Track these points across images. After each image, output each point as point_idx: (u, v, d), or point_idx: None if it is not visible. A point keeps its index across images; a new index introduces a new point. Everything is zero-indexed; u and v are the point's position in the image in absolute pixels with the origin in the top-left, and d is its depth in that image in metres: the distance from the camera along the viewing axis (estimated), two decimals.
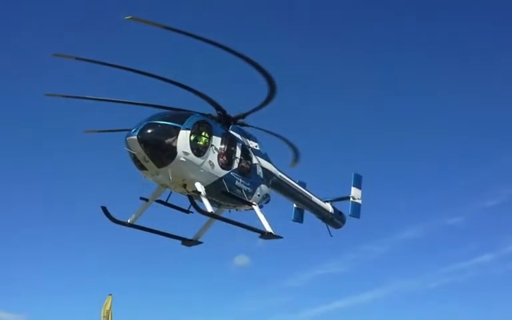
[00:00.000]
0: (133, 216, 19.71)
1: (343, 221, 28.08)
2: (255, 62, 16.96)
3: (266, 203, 21.76)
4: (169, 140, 17.38)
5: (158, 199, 19.82)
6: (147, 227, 20.06)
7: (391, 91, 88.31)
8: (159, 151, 17.31)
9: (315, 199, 25.87)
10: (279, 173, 22.71)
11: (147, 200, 19.77)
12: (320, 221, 27.33)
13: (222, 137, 19.02)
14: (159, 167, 17.43)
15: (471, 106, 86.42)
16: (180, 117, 18.12)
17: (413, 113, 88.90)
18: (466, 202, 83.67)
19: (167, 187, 18.95)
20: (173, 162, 17.35)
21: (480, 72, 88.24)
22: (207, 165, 18.20)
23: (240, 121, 20.61)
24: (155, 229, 20.34)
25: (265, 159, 21.63)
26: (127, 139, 17.44)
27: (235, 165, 19.41)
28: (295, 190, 24.43)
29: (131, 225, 19.67)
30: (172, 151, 17.32)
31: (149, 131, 17.35)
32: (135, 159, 17.60)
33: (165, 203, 20.15)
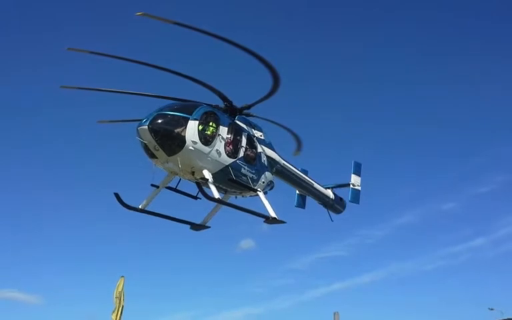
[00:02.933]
0: (144, 202, 19.81)
1: (343, 207, 28.10)
2: (260, 55, 16.98)
3: (270, 189, 21.83)
4: (178, 129, 17.51)
5: (167, 185, 19.93)
6: (157, 212, 20.18)
7: (389, 84, 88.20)
8: (168, 140, 17.41)
9: (316, 185, 25.91)
10: (283, 161, 22.74)
11: (157, 187, 19.88)
12: (321, 206, 27.35)
13: (228, 127, 19.10)
14: (168, 155, 17.56)
15: (465, 99, 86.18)
16: (188, 107, 18.19)
17: (411, 105, 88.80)
18: (460, 188, 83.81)
19: (176, 174, 19.03)
20: (182, 150, 17.50)
21: (474, 67, 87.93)
22: (214, 153, 18.31)
23: (245, 111, 20.65)
24: (165, 214, 20.46)
25: (269, 148, 21.66)
26: (138, 128, 17.56)
27: (241, 154, 19.50)
28: (298, 177, 24.47)
29: (143, 211, 19.77)
30: (181, 140, 17.45)
31: (159, 121, 17.48)
32: (146, 147, 17.70)
33: (174, 190, 20.27)
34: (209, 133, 18.27)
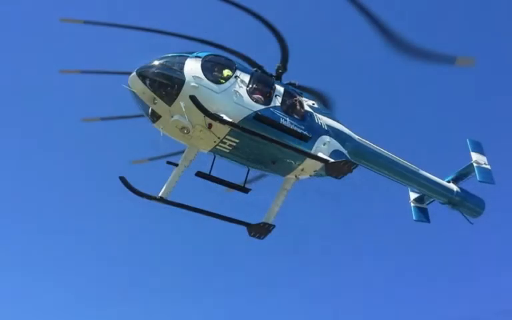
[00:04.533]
0: (164, 188, 15.94)
1: (481, 206, 22.31)
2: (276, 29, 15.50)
3: (350, 167, 15.65)
4: (174, 67, 14.34)
5: (199, 172, 15.91)
6: (186, 204, 16.18)
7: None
8: (163, 81, 14.16)
9: (425, 173, 20.30)
10: (357, 137, 18.24)
11: (176, 165, 16.07)
12: (449, 208, 21.96)
13: (251, 74, 15.55)
14: (169, 103, 14.17)
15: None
16: (189, 51, 15.13)
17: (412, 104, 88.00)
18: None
19: (193, 141, 15.25)
20: (183, 90, 14.06)
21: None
22: (230, 93, 14.63)
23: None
24: (199, 207, 16.30)
25: (331, 118, 17.46)
26: (128, 79, 14.53)
27: (277, 103, 15.52)
28: (390, 160, 19.07)
29: (164, 201, 15.93)
30: (178, 77, 14.16)
31: (150, 64, 14.52)
32: (144, 106, 14.59)
33: (208, 177, 15.96)
34: (217, 69, 14.91)
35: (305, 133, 15.44)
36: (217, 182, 16.03)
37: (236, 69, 15.08)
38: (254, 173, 17.50)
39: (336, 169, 15.52)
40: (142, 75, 14.20)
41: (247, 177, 16.56)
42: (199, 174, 15.76)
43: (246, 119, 14.51)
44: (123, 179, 15.88)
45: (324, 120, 16.82)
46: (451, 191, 21.05)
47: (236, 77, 14.83)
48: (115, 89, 16.33)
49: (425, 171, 20.25)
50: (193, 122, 14.16)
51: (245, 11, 14.75)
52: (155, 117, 14.58)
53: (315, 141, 15.91)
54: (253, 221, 16.75)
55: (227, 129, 14.43)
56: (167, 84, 14.10)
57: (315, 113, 16.68)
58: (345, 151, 16.76)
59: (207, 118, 14.01)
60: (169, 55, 14.72)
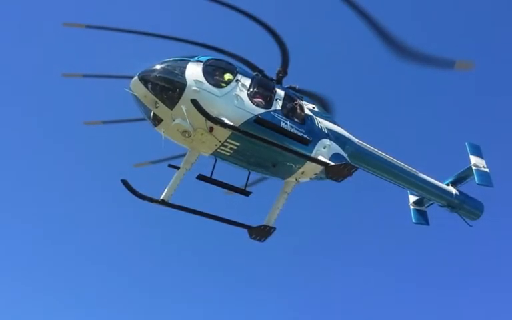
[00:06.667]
0: (166, 191, 15.98)
1: (480, 209, 22.35)
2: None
3: (350, 170, 15.76)
4: (176, 71, 14.49)
5: (200, 175, 16.10)
6: (188, 207, 16.18)
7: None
8: (164, 84, 14.32)
9: (423, 176, 20.27)
10: (357, 140, 18.31)
11: (177, 168, 16.16)
12: (448, 211, 22.07)
13: (252, 78, 15.67)
14: (170, 106, 14.32)
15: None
16: (191, 55, 15.27)
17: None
18: None
19: (194, 145, 15.27)
20: (184, 93, 14.19)
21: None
22: (231, 97, 14.73)
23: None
24: (201, 210, 16.25)
25: (331, 122, 17.55)
26: (130, 83, 14.70)
27: (277, 106, 15.62)
28: (388, 162, 19.07)
29: (165, 204, 15.95)
30: (179, 80, 14.30)
31: (152, 68, 14.66)
32: (146, 109, 14.76)
33: (209, 180, 16.09)
34: (219, 74, 15.05)
35: (305, 136, 15.70)
36: (218, 185, 16.30)
37: (237, 73, 15.25)
38: (254, 176, 17.68)
39: (336, 172, 15.75)
40: (144, 79, 14.47)
41: (247, 180, 16.82)
42: (200, 177, 16.06)
43: (247, 122, 14.70)
44: (124, 182, 16.06)
45: (324, 123, 17.00)
46: (449, 193, 21.30)
47: (237, 80, 15.03)
48: (116, 93, 16.43)
49: (424, 174, 20.51)
50: (194, 125, 14.39)
51: (245, 15, 14.92)
52: (157, 120, 14.83)
53: (315, 144, 16.12)
54: (254, 224, 17.00)
55: (227, 132, 14.67)
56: (169, 88, 14.35)
57: (315, 117, 16.86)
58: (345, 154, 16.96)
59: (208, 121, 14.27)
60: (171, 59, 14.91)
